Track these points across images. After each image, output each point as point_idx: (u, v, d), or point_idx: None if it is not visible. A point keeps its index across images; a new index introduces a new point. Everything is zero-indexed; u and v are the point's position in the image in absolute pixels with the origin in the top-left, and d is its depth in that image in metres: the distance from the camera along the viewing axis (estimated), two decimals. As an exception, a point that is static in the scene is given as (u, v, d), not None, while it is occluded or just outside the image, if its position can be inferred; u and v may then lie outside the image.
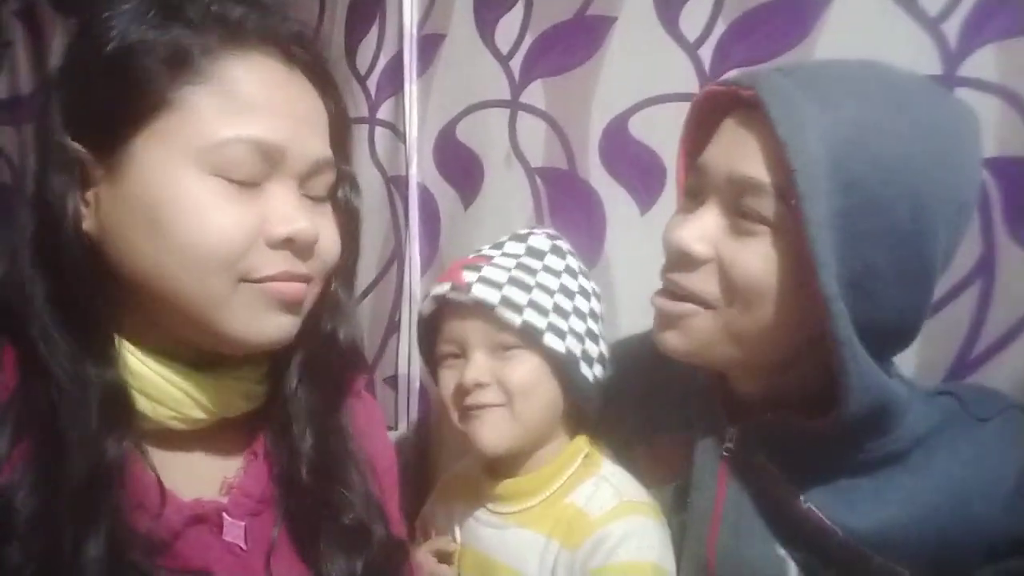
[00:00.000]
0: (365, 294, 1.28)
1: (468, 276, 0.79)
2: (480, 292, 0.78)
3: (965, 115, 0.67)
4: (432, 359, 0.86)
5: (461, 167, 1.18)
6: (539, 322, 0.78)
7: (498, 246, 0.85)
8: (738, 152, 0.66)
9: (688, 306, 0.69)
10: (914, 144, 0.61)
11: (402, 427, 1.25)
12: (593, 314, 0.84)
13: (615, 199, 1.05)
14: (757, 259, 0.65)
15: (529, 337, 0.77)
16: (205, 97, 0.57)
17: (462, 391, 0.79)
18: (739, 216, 0.66)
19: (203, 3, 0.58)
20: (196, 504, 0.62)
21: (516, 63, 1.12)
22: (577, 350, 0.80)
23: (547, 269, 0.81)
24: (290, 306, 0.60)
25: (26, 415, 0.56)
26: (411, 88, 1.21)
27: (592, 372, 0.81)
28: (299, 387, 0.68)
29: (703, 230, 0.67)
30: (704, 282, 0.67)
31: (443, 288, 0.80)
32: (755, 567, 0.71)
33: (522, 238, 0.85)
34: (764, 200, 0.64)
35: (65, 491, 0.54)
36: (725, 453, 0.74)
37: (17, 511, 0.53)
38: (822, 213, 0.60)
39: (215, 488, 0.64)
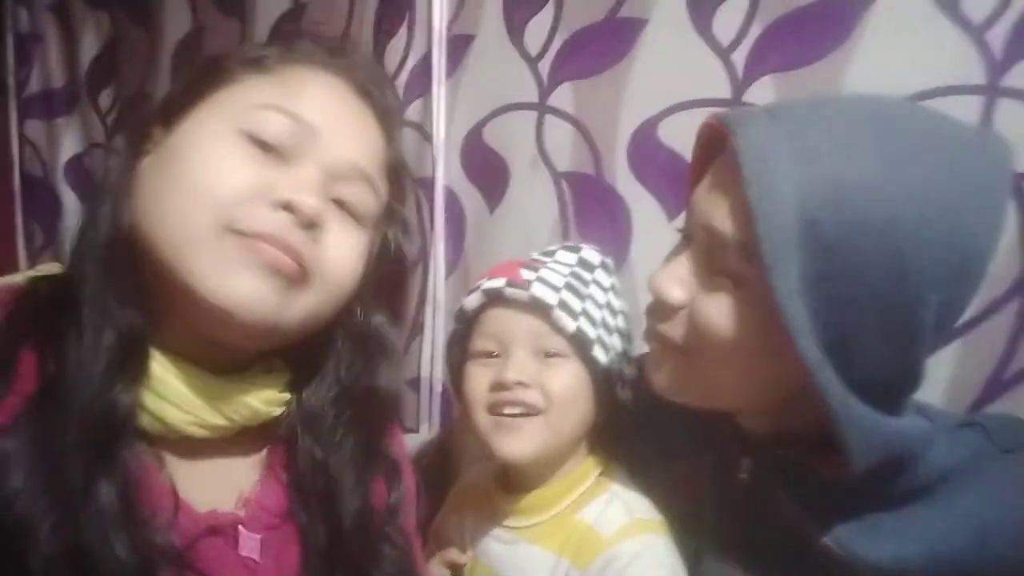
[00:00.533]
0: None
1: (526, 274, 0.78)
2: (539, 291, 0.77)
3: (984, 167, 0.60)
4: (461, 355, 0.84)
5: (487, 170, 1.17)
6: (591, 332, 0.77)
7: (549, 253, 0.84)
8: (715, 201, 0.63)
9: (668, 352, 0.68)
10: (900, 207, 0.56)
11: (423, 430, 1.25)
12: (629, 336, 0.83)
13: (642, 205, 1.04)
14: (723, 314, 0.62)
15: (579, 345, 0.77)
16: (266, 84, 0.62)
17: (499, 387, 0.77)
18: (715, 267, 0.64)
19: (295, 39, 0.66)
20: (211, 516, 0.61)
21: (545, 65, 1.11)
22: (615, 368, 0.79)
23: (597, 283, 0.81)
24: (270, 272, 0.57)
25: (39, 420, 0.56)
26: (439, 89, 1.20)
27: (624, 394, 0.81)
28: (330, 401, 0.68)
29: (680, 276, 0.66)
30: (677, 328, 0.66)
31: (498, 283, 0.79)
32: None
33: (574, 249, 0.85)
34: (733, 257, 0.61)
35: (71, 435, 0.54)
36: (740, 483, 0.72)
37: (17, 461, 0.53)
38: (791, 282, 0.57)
39: (231, 501, 0.64)
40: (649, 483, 0.82)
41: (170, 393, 0.59)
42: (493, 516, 0.82)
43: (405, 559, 0.70)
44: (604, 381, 0.78)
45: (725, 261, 0.62)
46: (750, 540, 0.72)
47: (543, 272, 0.79)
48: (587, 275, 0.81)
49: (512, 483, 0.81)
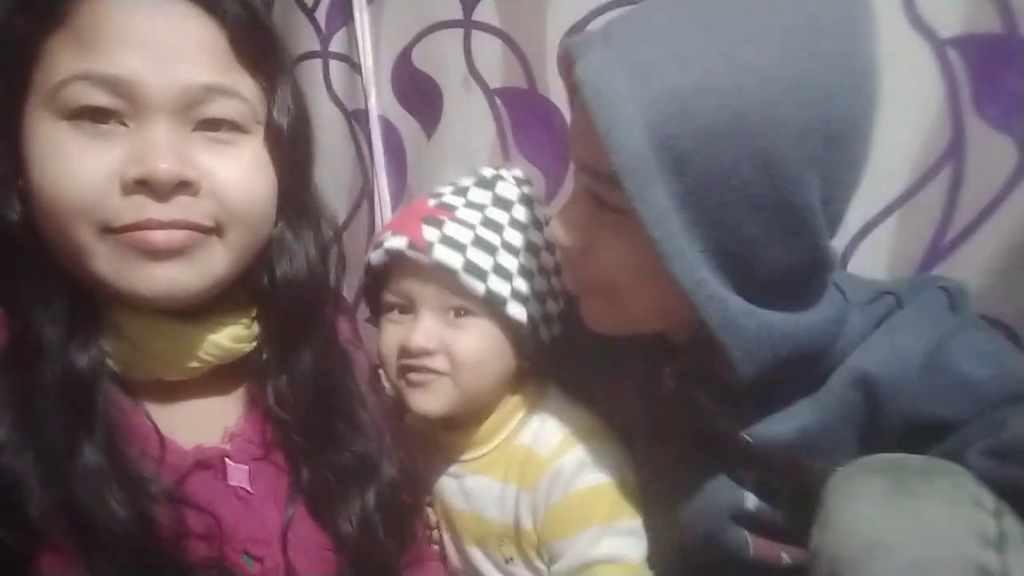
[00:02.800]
0: (337, 236, 1.26)
1: (429, 234, 0.73)
2: (442, 255, 0.72)
3: (830, 26, 0.57)
4: (376, 307, 0.82)
5: (420, 95, 1.15)
6: (503, 289, 0.73)
7: (462, 191, 0.78)
8: (579, 136, 0.62)
9: (585, 291, 0.68)
10: (744, 100, 0.54)
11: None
12: (557, 268, 0.79)
13: (579, 114, 1.03)
14: (617, 247, 0.62)
15: (490, 305, 0.74)
16: (59, 43, 0.55)
17: (404, 352, 0.75)
18: (597, 203, 0.63)
19: None
20: (197, 451, 0.62)
21: (465, -22, 1.07)
22: (538, 314, 0.76)
23: (514, 223, 0.76)
24: (164, 255, 0.56)
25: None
26: (362, 16, 1.16)
27: (550, 332, 0.79)
28: (267, 328, 0.67)
29: (573, 220, 0.65)
30: (587, 270, 0.66)
31: (400, 242, 0.74)
32: (713, 496, 0.71)
33: (488, 184, 0.79)
34: (609, 189, 0.60)
35: (45, 397, 0.54)
36: (666, 391, 0.73)
37: None
38: (660, 205, 0.56)
39: (216, 437, 0.65)
40: (592, 398, 0.83)
41: (138, 341, 0.59)
42: (440, 454, 0.83)
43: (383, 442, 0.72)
44: (524, 332, 0.76)
45: (603, 194, 0.62)
46: (678, 445, 0.73)
47: (448, 228, 0.73)
48: (502, 216, 0.76)
49: (450, 422, 0.81)
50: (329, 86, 1.22)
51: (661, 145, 0.55)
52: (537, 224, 0.79)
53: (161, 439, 0.60)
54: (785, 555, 0.70)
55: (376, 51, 1.16)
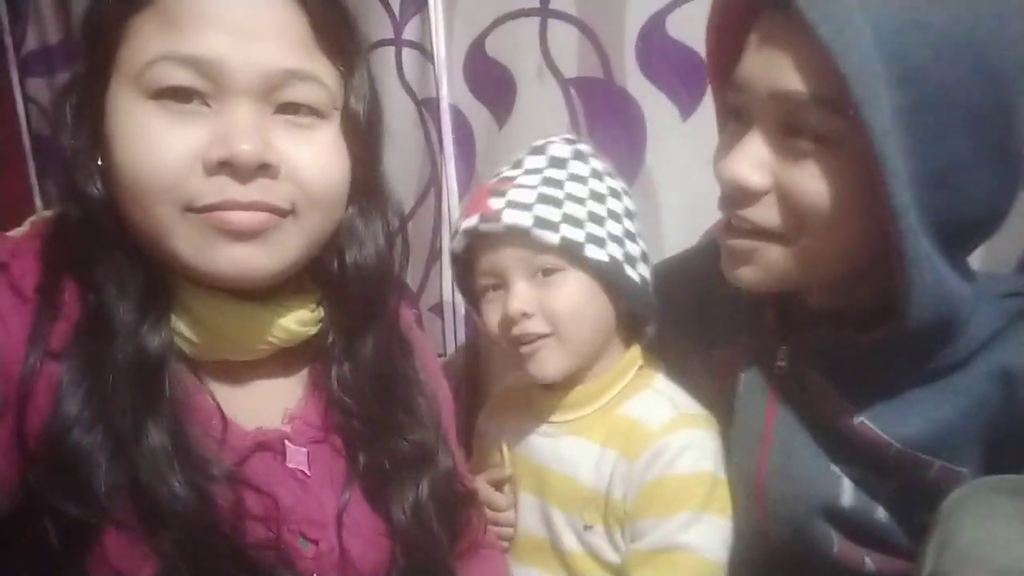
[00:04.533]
0: (403, 224, 1.26)
1: (495, 203, 0.76)
2: (511, 217, 0.75)
3: None
4: (472, 295, 0.84)
5: (493, 84, 1.14)
6: (577, 235, 0.75)
7: (518, 164, 0.81)
8: (778, 64, 0.59)
9: (758, 243, 0.64)
10: (978, 12, 0.54)
11: (450, 353, 1.25)
12: (628, 213, 0.80)
13: (655, 106, 1.00)
14: (819, 181, 0.59)
15: (569, 253, 0.75)
16: (145, 23, 0.56)
17: (508, 323, 0.77)
18: (792, 136, 0.60)
19: None
20: (258, 432, 0.63)
21: (543, -34, 1.05)
22: (619, 254, 0.77)
23: (573, 177, 0.78)
24: (243, 236, 0.57)
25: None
26: (436, 4, 1.15)
27: (638, 272, 0.79)
28: (333, 314, 0.67)
29: (755, 158, 0.62)
30: (768, 214, 0.62)
31: (472, 221, 0.77)
32: (807, 485, 0.69)
33: (541, 150, 0.81)
34: (816, 115, 0.58)
35: (114, 377, 0.55)
36: (777, 370, 0.71)
37: (71, 388, 0.55)
38: (886, 118, 0.54)
39: (277, 419, 0.65)
40: (686, 372, 0.81)
41: (207, 322, 0.60)
42: (535, 414, 0.83)
43: (436, 425, 0.72)
44: (611, 273, 0.77)
45: (805, 122, 0.59)
46: (782, 428, 0.71)
47: (512, 193, 0.76)
48: (559, 174, 0.78)
49: (552, 384, 0.82)
50: (401, 74, 1.22)
51: (892, 54, 0.54)
52: (596, 174, 0.80)
53: (224, 420, 0.61)
54: (869, 560, 0.67)
55: (449, 39, 1.16)
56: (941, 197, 0.56)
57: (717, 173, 0.65)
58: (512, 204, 0.75)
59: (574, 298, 0.76)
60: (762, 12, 0.61)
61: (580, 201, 0.77)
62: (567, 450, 0.80)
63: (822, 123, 0.58)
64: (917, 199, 0.56)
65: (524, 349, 0.77)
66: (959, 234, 0.59)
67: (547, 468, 0.81)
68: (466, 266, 0.83)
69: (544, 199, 0.76)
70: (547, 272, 0.76)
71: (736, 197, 0.64)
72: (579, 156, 0.80)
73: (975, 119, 0.55)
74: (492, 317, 0.80)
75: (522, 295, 0.76)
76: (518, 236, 0.75)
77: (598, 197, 0.78)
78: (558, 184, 0.77)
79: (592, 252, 0.75)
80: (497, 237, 0.76)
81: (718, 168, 0.65)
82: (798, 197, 0.60)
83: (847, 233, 0.61)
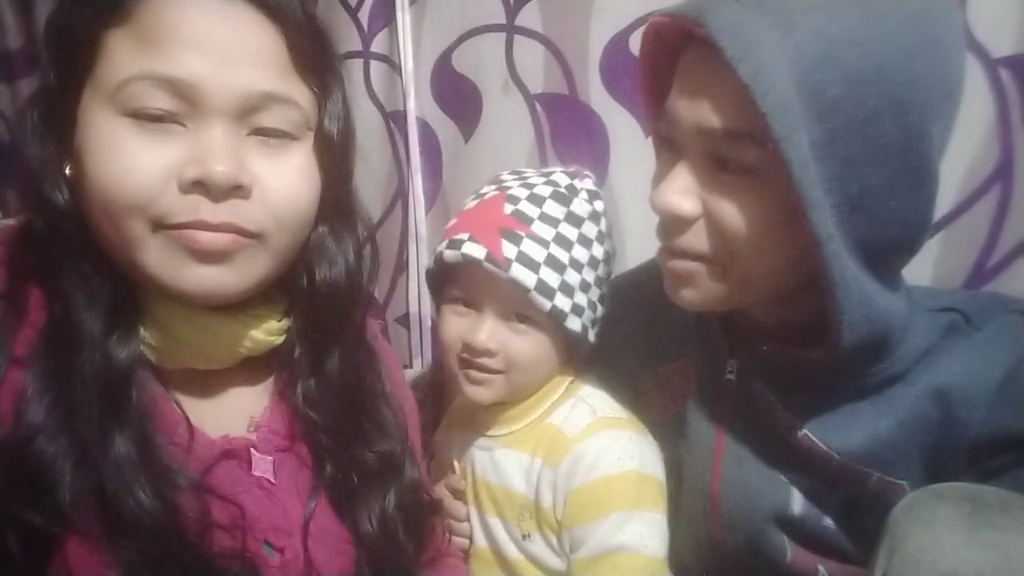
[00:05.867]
0: (372, 236, 1.27)
1: (507, 250, 0.75)
2: (518, 273, 0.74)
3: None
4: (439, 295, 0.85)
5: (459, 98, 1.15)
6: (565, 305, 0.76)
7: (538, 201, 0.78)
8: (702, 99, 0.61)
9: (694, 264, 0.66)
10: (887, 47, 0.56)
11: (416, 365, 1.25)
12: (608, 276, 0.82)
13: (618, 121, 1.03)
14: (745, 210, 0.61)
15: (553, 320, 0.76)
16: (121, 39, 0.56)
17: (468, 348, 0.78)
18: (718, 166, 0.62)
19: None
20: (224, 440, 0.62)
21: (510, -17, 1.07)
22: (589, 321, 0.79)
23: (582, 239, 0.78)
24: (210, 257, 0.56)
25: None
26: (404, 17, 1.17)
27: (593, 332, 0.81)
28: (300, 326, 0.67)
29: (684, 188, 0.64)
30: (700, 241, 0.65)
31: (477, 252, 0.76)
32: (759, 495, 0.71)
33: (565, 199, 0.79)
34: (739, 148, 0.60)
35: (81, 386, 0.55)
36: (726, 383, 0.73)
37: (36, 395, 0.54)
38: (804, 151, 0.56)
39: (242, 427, 0.65)
40: (637, 388, 0.83)
41: (174, 331, 0.60)
42: (476, 428, 0.85)
43: (403, 433, 0.72)
44: (575, 337, 0.78)
45: (729, 154, 0.61)
46: (731, 440, 0.73)
47: (526, 245, 0.75)
48: (572, 232, 0.78)
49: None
50: (369, 86, 1.23)
51: (808, 90, 0.56)
52: (601, 237, 0.81)
53: (190, 428, 0.60)
54: (823, 568, 0.69)
55: (417, 53, 1.17)
56: (861, 221, 0.59)
57: (651, 202, 0.67)
58: (522, 259, 0.75)
59: (536, 349, 0.78)
60: (688, 45, 0.63)
61: (578, 267, 0.77)
62: (500, 461, 0.81)
63: (745, 155, 0.60)
64: (838, 225, 0.58)
65: (472, 374, 0.79)
66: (882, 254, 0.61)
67: (485, 480, 0.82)
68: (445, 269, 0.82)
69: (551, 262, 0.76)
70: (521, 319, 0.77)
71: (669, 226, 0.66)
72: (594, 217, 0.80)
73: (889, 148, 0.57)
74: (452, 327, 0.80)
75: (492, 332, 0.77)
76: (515, 288, 0.75)
77: (593, 263, 0.79)
78: (567, 245, 0.77)
79: (571, 323, 0.77)
80: (493, 275, 0.76)
81: (652, 197, 0.67)
82: (726, 225, 0.62)
83: (776, 257, 0.63)
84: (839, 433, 0.66)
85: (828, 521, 0.68)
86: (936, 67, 0.58)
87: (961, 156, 0.81)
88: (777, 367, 0.69)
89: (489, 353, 0.77)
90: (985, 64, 0.79)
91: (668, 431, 0.78)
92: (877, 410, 0.65)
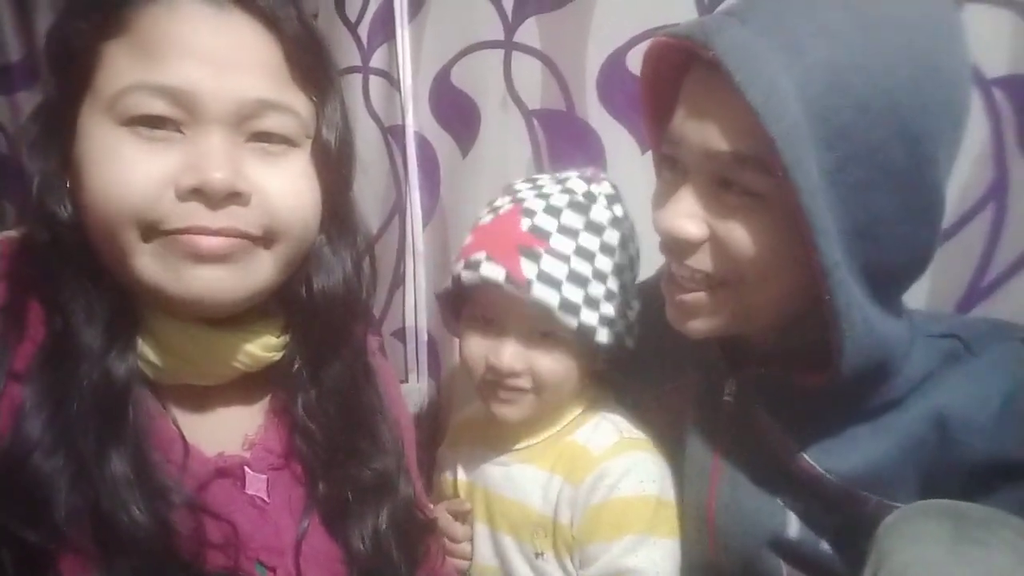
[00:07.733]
0: (370, 250, 1.27)
1: (527, 269, 0.73)
2: (540, 293, 0.73)
3: (942, 13, 0.61)
4: (456, 313, 0.84)
5: (457, 113, 1.16)
6: (592, 319, 0.75)
7: (555, 212, 0.77)
8: (709, 122, 0.61)
9: (700, 295, 0.66)
10: (895, 73, 0.56)
11: (412, 379, 1.25)
12: (635, 280, 0.80)
13: (615, 138, 1.03)
14: (751, 233, 0.61)
15: (581, 336, 0.75)
16: (119, 49, 0.56)
17: (493, 370, 0.77)
18: (724, 189, 0.62)
19: None
20: (219, 458, 0.62)
21: (509, 1, 1.08)
22: (623, 328, 0.78)
23: (604, 248, 0.77)
24: (210, 259, 0.56)
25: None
26: (403, 33, 1.17)
27: (631, 338, 0.80)
28: (299, 340, 0.67)
29: (689, 211, 0.63)
30: (707, 261, 0.64)
31: (497, 273, 0.74)
32: (755, 517, 0.71)
33: (583, 208, 0.77)
34: (746, 173, 0.60)
35: (78, 402, 0.55)
36: (725, 405, 0.73)
37: (33, 410, 0.54)
38: (813, 178, 0.56)
39: (237, 444, 0.65)
40: (639, 408, 0.83)
41: (172, 347, 0.60)
42: (489, 444, 0.84)
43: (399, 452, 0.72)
44: (605, 349, 0.77)
45: (735, 178, 0.61)
46: (728, 462, 0.73)
47: (545, 262, 0.74)
48: (593, 243, 0.76)
49: None
50: (368, 101, 1.24)
51: (817, 116, 0.56)
52: (624, 243, 0.79)
53: (186, 446, 0.60)
54: None
55: (416, 68, 1.18)
56: (868, 248, 0.59)
57: (655, 224, 0.67)
58: (543, 278, 0.73)
59: (564, 365, 0.77)
60: (693, 65, 0.63)
61: (602, 278, 0.76)
62: (517, 477, 0.81)
63: (752, 180, 0.60)
64: (845, 251, 0.58)
65: (502, 395, 0.78)
66: (887, 280, 0.61)
67: (499, 496, 0.81)
68: (463, 289, 0.80)
69: (573, 277, 0.74)
70: (545, 335, 0.76)
71: (674, 247, 0.66)
72: (615, 223, 0.79)
73: (897, 175, 0.58)
74: (475, 347, 0.79)
75: (516, 352, 0.76)
76: (538, 308, 0.74)
77: (618, 271, 0.77)
78: (589, 257, 0.75)
79: (600, 336, 0.75)
80: (515, 295, 0.74)
81: (655, 219, 0.67)
82: (732, 248, 0.62)
83: (781, 281, 0.63)
84: (837, 457, 0.66)
85: (824, 545, 0.68)
86: (944, 95, 0.58)
87: (955, 175, 0.79)
88: (776, 390, 0.69)
89: (515, 374, 0.76)
90: (979, 84, 0.79)
91: (667, 452, 0.78)
92: (875, 434, 0.65)
